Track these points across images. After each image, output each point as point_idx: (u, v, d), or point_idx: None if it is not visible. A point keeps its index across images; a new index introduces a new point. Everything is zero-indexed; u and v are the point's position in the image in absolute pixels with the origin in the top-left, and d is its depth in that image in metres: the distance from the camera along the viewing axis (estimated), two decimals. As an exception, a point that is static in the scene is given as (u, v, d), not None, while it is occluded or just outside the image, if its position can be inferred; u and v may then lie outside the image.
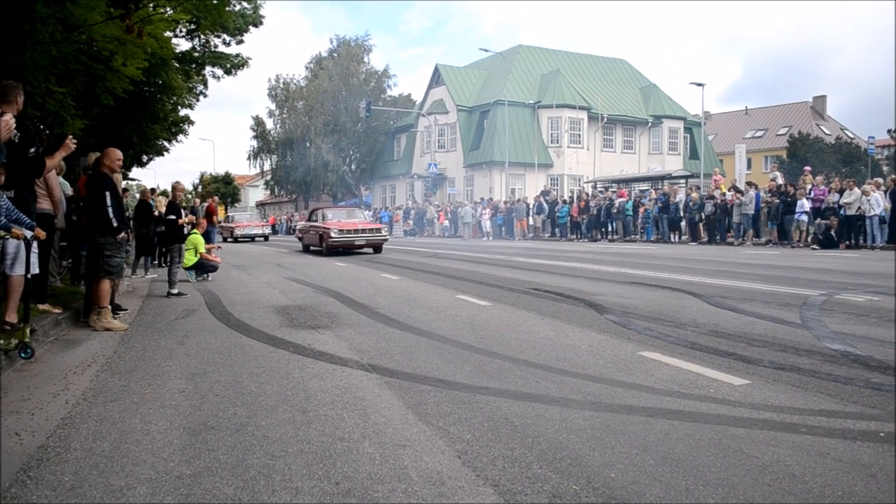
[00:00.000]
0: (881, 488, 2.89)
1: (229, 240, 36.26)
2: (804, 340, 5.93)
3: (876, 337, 5.97)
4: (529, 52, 50.72)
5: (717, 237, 23.67)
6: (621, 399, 4.29)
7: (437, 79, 50.42)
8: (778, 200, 21.60)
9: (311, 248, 22.37)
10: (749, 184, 24.31)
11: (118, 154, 7.91)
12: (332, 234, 19.92)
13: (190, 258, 12.64)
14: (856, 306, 7.75)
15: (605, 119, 46.87)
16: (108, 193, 7.53)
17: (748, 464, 3.20)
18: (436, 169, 45.37)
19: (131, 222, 14.66)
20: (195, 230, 13.36)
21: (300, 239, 24.51)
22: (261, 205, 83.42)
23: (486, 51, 45.77)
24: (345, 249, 20.36)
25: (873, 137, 42.54)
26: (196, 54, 20.32)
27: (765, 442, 3.47)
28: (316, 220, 22.43)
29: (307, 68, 61.84)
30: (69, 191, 9.68)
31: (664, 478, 3.06)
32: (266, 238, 38.74)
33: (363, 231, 20.48)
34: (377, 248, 20.90)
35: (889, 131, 52.65)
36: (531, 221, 33.39)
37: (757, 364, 5.10)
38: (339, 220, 21.93)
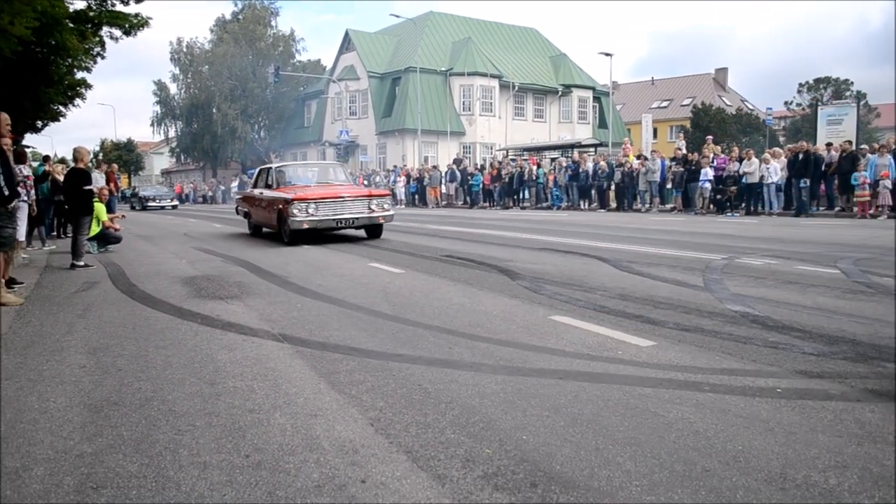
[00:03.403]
0: (778, 441, 3.02)
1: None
2: (707, 302, 6.15)
3: (773, 298, 6.24)
4: (440, 18, 50.36)
5: (625, 204, 24.27)
6: (532, 363, 4.35)
7: (347, 44, 49.52)
8: (683, 169, 22.28)
9: (266, 229, 14.87)
10: (654, 152, 24.97)
11: (5, 118, 7.44)
12: (295, 212, 12.32)
13: (93, 228, 12.10)
14: (755, 269, 8.08)
15: (517, 87, 47.10)
16: (-4, 160, 7.08)
17: (654, 422, 3.29)
18: (347, 136, 44.77)
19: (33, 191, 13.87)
20: (97, 199, 12.78)
21: (247, 214, 16.07)
22: (166, 173, 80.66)
23: (396, 16, 45.31)
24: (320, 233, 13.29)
25: (771, 109, 44.30)
26: (92, 13, 19.24)
27: (670, 400, 3.58)
28: (271, 184, 14.31)
29: (211, 31, 59.81)
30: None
31: (574, 438, 3.12)
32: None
33: (351, 201, 12.91)
34: (374, 230, 13.43)
35: (786, 103, 55.01)
36: (444, 189, 33.41)
37: (662, 326, 5.26)
38: (307, 184, 14.08)
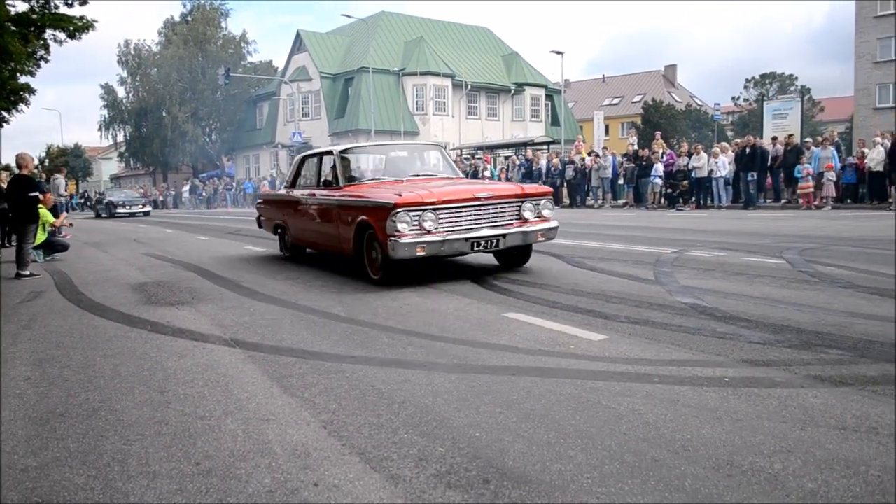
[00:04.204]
0: (725, 429, 3.08)
1: None
2: (657, 296, 6.24)
3: (721, 290, 6.36)
4: (392, 18, 50.24)
5: (578, 200, 24.50)
6: (486, 360, 4.37)
7: (298, 45, 49.10)
8: (634, 164, 22.59)
9: (311, 250, 10.39)
10: (605, 149, 25.28)
11: None
12: (401, 227, 7.11)
13: (39, 236, 11.80)
14: (704, 262, 8.23)
15: (470, 87, 47.22)
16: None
17: (605, 415, 3.33)
18: (301, 138, 44.33)
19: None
20: (41, 205, 12.50)
21: (280, 228, 10.78)
22: (116, 178, 79.06)
23: (348, 17, 45.15)
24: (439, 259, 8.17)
25: (719, 104, 45.11)
26: (35, 16, 18.82)
27: (621, 393, 3.62)
28: (331, 182, 8.91)
29: (160, 33, 58.87)
30: None
31: (526, 433, 3.14)
32: None
33: (493, 205, 7.67)
34: (520, 256, 8.53)
35: (733, 98, 56.14)
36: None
37: (614, 319, 5.32)
38: (402, 180, 8.64)
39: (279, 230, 10.81)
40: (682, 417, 3.25)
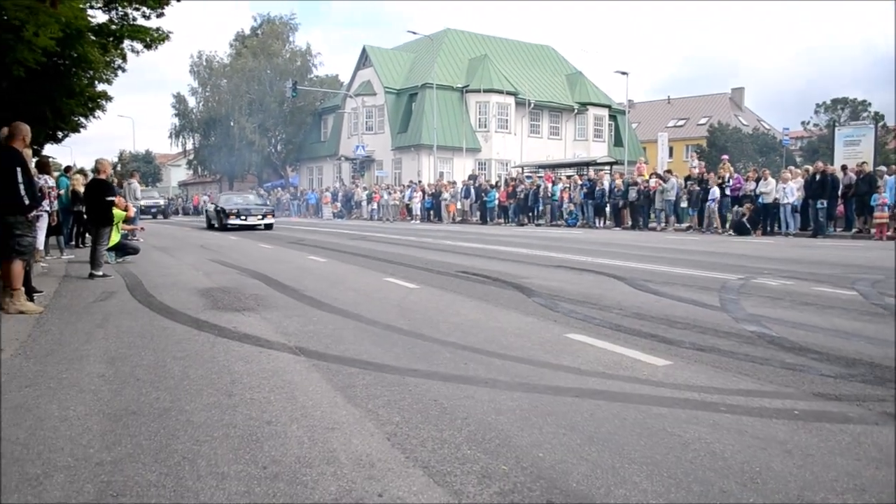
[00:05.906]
0: (795, 463, 3.00)
1: None
2: (723, 323, 6.13)
3: (790, 319, 6.21)
4: (457, 36, 50.61)
5: (641, 222, 24.20)
6: (549, 380, 4.35)
7: (364, 60, 49.89)
8: (698, 188, 22.22)
9: None
10: (668, 171, 24.93)
11: (27, 129, 7.53)
12: None
13: (113, 238, 12.18)
14: (771, 290, 8.04)
15: (532, 105, 47.22)
16: (18, 170, 7.13)
17: (671, 442, 3.28)
18: (364, 151, 44.97)
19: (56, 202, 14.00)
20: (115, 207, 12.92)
21: None
22: (184, 185, 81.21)
23: (413, 33, 45.60)
24: None
25: (788, 129, 44.11)
26: (114, 27, 19.51)
27: (686, 421, 3.57)
28: None
29: (231, 45, 60.38)
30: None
31: (591, 456, 3.12)
32: None
33: None
34: None
35: (803, 123, 54.81)
36: (459, 205, 33.49)
37: (678, 345, 5.25)
38: None
39: None
40: (751, 449, 3.18)
